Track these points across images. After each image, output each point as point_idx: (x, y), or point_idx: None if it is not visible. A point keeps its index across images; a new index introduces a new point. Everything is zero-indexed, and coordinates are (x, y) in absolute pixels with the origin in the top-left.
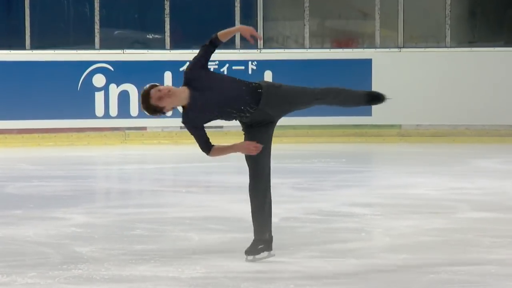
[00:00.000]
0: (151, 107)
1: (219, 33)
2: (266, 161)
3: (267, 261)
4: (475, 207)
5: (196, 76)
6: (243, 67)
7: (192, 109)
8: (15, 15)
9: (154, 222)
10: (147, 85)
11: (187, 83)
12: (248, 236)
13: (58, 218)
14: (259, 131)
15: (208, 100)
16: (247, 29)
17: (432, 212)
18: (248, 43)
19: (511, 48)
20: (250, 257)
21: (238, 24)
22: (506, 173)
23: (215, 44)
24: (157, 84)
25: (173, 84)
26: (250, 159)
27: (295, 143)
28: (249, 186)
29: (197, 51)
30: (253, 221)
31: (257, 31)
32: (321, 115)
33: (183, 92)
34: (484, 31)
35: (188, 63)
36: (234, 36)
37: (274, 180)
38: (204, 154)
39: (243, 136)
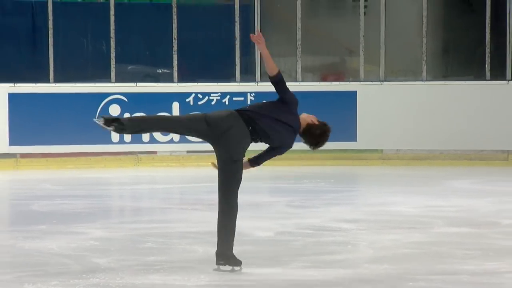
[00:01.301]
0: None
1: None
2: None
3: (263, 271)
4: (449, 223)
5: None
6: (242, 98)
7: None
8: (40, 52)
9: (163, 236)
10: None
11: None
12: (245, 248)
13: (78, 232)
14: None
15: None
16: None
17: (411, 227)
18: (247, 76)
19: (480, 81)
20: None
21: (238, 60)
22: (476, 192)
23: None
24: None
25: (179, 112)
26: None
27: (289, 166)
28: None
29: (202, 84)
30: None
31: (255, 66)
32: None
33: None
34: (456, 67)
35: (295, 97)
36: (235, 70)
37: (270, 199)
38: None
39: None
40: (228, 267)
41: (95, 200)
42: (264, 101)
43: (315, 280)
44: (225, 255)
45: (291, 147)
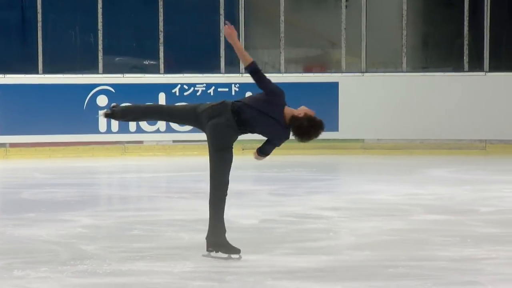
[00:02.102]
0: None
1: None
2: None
3: (248, 258)
4: (428, 211)
5: None
6: (227, 89)
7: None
8: (29, 45)
9: (150, 224)
10: (318, 118)
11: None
12: (230, 235)
13: (66, 220)
14: None
15: None
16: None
17: (391, 215)
18: (231, 67)
19: (458, 73)
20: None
21: (222, 52)
22: (455, 181)
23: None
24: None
25: (165, 102)
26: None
27: (272, 155)
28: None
29: (187, 75)
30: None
31: (239, 58)
32: None
33: None
34: (435, 58)
35: (278, 88)
36: (220, 61)
37: (254, 187)
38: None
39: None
40: (222, 255)
41: (83, 188)
42: (257, 93)
43: (298, 266)
44: (215, 243)
45: (286, 138)
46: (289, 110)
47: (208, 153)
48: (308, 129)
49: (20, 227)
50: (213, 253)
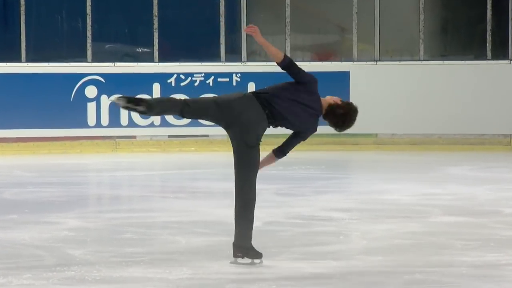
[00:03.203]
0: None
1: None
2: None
3: (250, 263)
4: (447, 212)
5: None
6: (227, 79)
7: None
8: (11, 30)
9: (143, 226)
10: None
11: None
12: (230, 239)
13: (52, 222)
14: None
15: None
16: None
17: (406, 216)
18: (232, 55)
19: (480, 61)
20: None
21: (222, 39)
22: (475, 180)
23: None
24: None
25: (160, 93)
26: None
27: None
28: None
29: (184, 64)
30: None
31: (241, 45)
32: None
33: None
34: (455, 46)
35: (313, 76)
36: (219, 49)
37: (258, 186)
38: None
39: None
40: (247, 260)
41: (71, 187)
42: (282, 83)
43: (305, 272)
44: (244, 247)
45: (315, 130)
46: (327, 99)
47: (233, 152)
48: (351, 116)
49: (1, 230)
50: (240, 259)
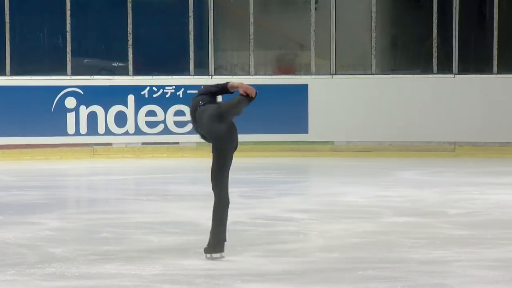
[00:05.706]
0: None
1: (229, 85)
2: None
3: (217, 260)
4: (398, 213)
5: None
6: (196, 91)
7: None
8: None
9: (118, 226)
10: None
11: None
12: (199, 238)
13: (34, 223)
14: None
15: None
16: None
17: (361, 217)
18: (201, 69)
19: (427, 75)
20: (208, 255)
21: (191, 54)
22: (423, 183)
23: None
24: None
25: (134, 104)
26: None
27: (242, 157)
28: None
29: (156, 77)
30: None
31: (208, 60)
32: (264, 132)
33: None
34: (404, 61)
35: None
36: (189, 64)
37: None
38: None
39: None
40: (208, 255)
41: (51, 191)
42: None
43: (267, 268)
44: (209, 243)
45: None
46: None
47: (214, 155)
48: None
49: None
50: (209, 255)
